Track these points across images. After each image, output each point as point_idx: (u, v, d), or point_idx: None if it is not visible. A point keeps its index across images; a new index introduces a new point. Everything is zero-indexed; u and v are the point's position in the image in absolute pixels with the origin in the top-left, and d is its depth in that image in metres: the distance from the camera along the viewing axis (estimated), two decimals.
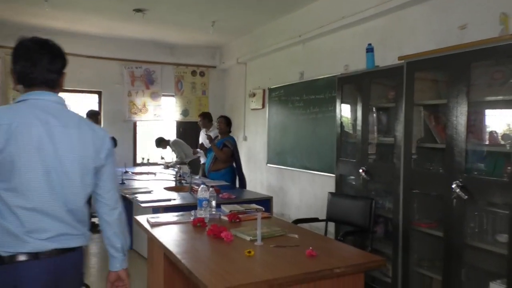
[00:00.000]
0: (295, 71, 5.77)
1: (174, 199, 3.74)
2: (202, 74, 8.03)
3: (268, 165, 6.47)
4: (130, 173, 5.84)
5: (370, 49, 3.68)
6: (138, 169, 6.33)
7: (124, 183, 4.82)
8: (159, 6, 5.36)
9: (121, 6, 5.33)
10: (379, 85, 3.66)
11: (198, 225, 2.68)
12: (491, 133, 2.73)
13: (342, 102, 4.03)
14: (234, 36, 7.11)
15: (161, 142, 6.67)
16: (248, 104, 7.16)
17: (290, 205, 5.86)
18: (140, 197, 3.78)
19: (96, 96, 7.30)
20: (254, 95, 6.89)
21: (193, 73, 7.95)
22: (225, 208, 3.17)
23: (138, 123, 7.65)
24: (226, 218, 2.91)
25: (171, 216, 2.90)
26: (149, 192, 4.11)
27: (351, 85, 3.94)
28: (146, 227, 2.67)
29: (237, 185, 5.01)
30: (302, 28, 5.38)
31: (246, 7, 5.44)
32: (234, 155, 4.96)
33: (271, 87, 6.40)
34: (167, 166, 6.67)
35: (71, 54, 6.24)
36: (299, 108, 5.63)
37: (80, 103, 7.14)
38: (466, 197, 2.56)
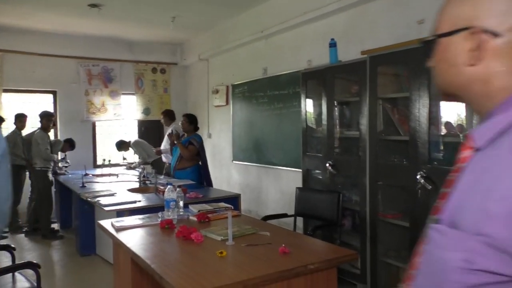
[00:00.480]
0: (259, 67, 5.74)
1: (139, 201, 3.62)
2: (163, 71, 7.84)
3: (234, 162, 6.43)
4: (90, 175, 5.62)
5: (333, 44, 3.71)
6: (99, 171, 6.10)
7: (85, 186, 4.61)
8: (115, 1, 5.16)
9: (75, 1, 5.08)
10: (343, 80, 3.71)
11: (166, 227, 2.60)
12: (447, 124, 2.84)
13: (306, 97, 4.05)
14: (196, 32, 6.99)
15: (122, 145, 6.46)
16: (211, 101, 7.07)
17: (258, 202, 5.85)
18: (103, 200, 3.62)
19: (51, 96, 6.95)
20: (217, 91, 6.81)
21: (154, 70, 7.76)
22: (193, 208, 3.10)
23: (97, 123, 7.36)
24: (195, 219, 2.84)
25: (137, 219, 2.80)
26: (112, 194, 3.96)
27: (315, 80, 3.97)
28: (111, 232, 2.56)
29: (204, 184, 4.93)
30: (264, 24, 5.36)
31: (208, 2, 5.35)
32: (200, 153, 4.88)
33: (235, 83, 6.35)
34: (129, 167, 6.47)
35: (23, 52, 5.92)
36: (264, 104, 5.62)
37: (35, 104, 6.78)
38: (430, 187, 2.63)
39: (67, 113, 6.94)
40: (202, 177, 4.92)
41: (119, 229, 2.58)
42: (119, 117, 7.42)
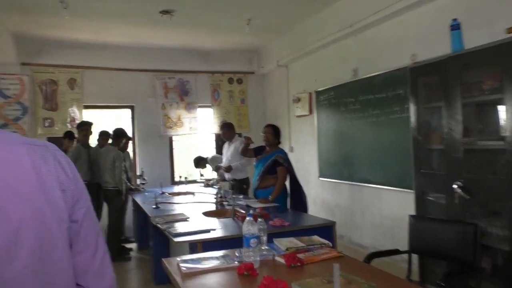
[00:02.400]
0: (347, 69, 4.96)
1: (215, 229, 3.03)
2: (239, 81, 7.38)
3: (321, 179, 5.66)
4: (166, 194, 5.24)
5: (455, 26, 2.85)
6: (176, 188, 5.74)
7: (159, 207, 4.18)
8: (187, 6, 4.77)
9: (147, 8, 4.77)
10: (470, 72, 2.81)
11: (245, 273, 1.95)
12: None
13: (417, 99, 3.19)
14: (273, 36, 6.41)
15: (199, 162, 6.03)
16: (292, 111, 6.41)
17: (351, 226, 5.00)
18: (174, 228, 3.10)
19: (129, 111, 6.81)
20: (298, 100, 6.13)
21: (230, 80, 7.32)
22: (279, 244, 2.42)
23: (174, 138, 7.09)
24: (282, 261, 2.16)
25: (210, 259, 2.19)
26: (186, 219, 3.43)
27: (430, 77, 3.10)
28: (176, 279, 1.97)
29: (288, 205, 4.24)
30: (353, 17, 4.58)
31: (285, 0, 4.74)
32: (289, 171, 4.22)
33: (318, 89, 5.62)
34: (207, 184, 6.02)
35: (101, 68, 5.74)
36: (355, 111, 4.81)
37: (113, 119, 6.70)
38: None
39: (144, 128, 6.74)
40: (287, 197, 4.25)
41: (187, 275, 1.98)
42: (195, 131, 7.07)
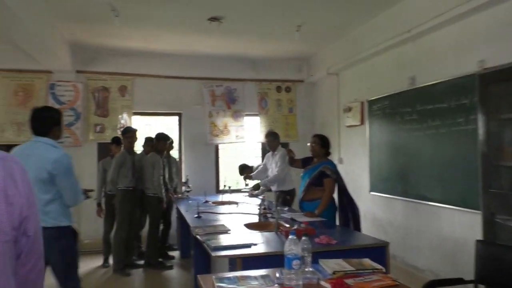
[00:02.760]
0: (404, 77, 4.62)
1: (256, 244, 2.84)
2: (288, 89, 7.20)
3: (372, 193, 5.31)
4: (210, 202, 5.14)
5: None
6: (220, 197, 5.62)
7: (200, 216, 4.06)
8: (236, 13, 4.68)
9: (195, 15, 4.74)
10: None
11: None
12: None
13: (486, 109, 2.83)
14: (323, 43, 6.18)
15: (244, 169, 5.90)
16: (342, 121, 6.11)
17: (405, 246, 4.62)
18: (214, 240, 2.94)
19: (176, 118, 6.84)
20: (349, 109, 5.83)
21: (278, 89, 7.16)
22: (325, 266, 2.17)
23: (220, 146, 7.02)
24: (327, 286, 1.92)
25: (248, 278, 2.00)
26: (226, 231, 3.27)
27: (501, 85, 2.74)
28: None
29: (336, 221, 3.97)
30: (412, 21, 4.26)
31: (337, 6, 4.52)
32: (338, 184, 3.96)
33: (371, 98, 5.30)
34: (252, 194, 5.86)
35: (150, 75, 5.79)
36: (412, 122, 4.45)
37: (160, 126, 6.75)
38: None
39: (191, 136, 6.73)
40: (335, 212, 3.98)
41: None
42: (241, 140, 6.96)
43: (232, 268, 2.64)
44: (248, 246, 2.78)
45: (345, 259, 2.31)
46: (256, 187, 5.18)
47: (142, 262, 5.23)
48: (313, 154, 4.07)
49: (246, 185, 6.21)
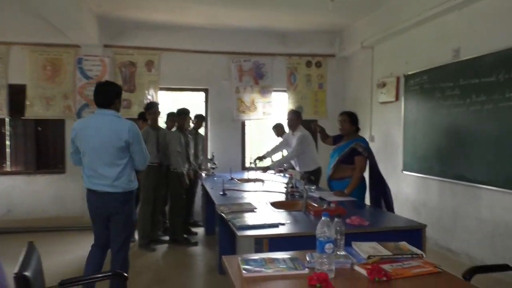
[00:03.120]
0: (447, 49, 4.29)
1: (283, 224, 2.70)
2: (318, 64, 6.91)
3: (405, 172, 5.05)
4: (235, 180, 5.03)
5: None
6: (246, 175, 5.50)
7: (226, 194, 3.95)
8: None
9: None
10: None
11: (318, 286, 1.59)
12: None
13: None
14: (358, 15, 5.83)
15: (278, 128, 5.59)
16: (375, 97, 5.81)
17: (440, 228, 4.38)
18: (240, 219, 2.82)
19: (203, 94, 6.71)
20: (383, 85, 5.52)
21: (308, 64, 6.88)
22: (359, 249, 2.01)
23: (246, 123, 6.87)
24: (363, 271, 1.76)
25: (276, 261, 1.86)
26: (252, 210, 3.14)
27: None
28: (235, 283, 1.68)
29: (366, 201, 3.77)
30: None
31: None
32: (370, 161, 3.75)
33: (409, 73, 4.97)
34: (280, 170, 5.71)
35: (178, 49, 5.61)
36: (453, 98, 4.13)
37: (187, 101, 6.64)
38: None
39: (217, 112, 6.60)
40: (365, 191, 3.78)
41: (247, 281, 1.68)
42: (269, 116, 6.78)
43: (258, 249, 2.51)
44: (275, 226, 2.64)
45: (380, 242, 2.13)
46: (265, 169, 5.01)
47: (167, 237, 5.22)
48: (343, 132, 3.85)
49: (272, 162, 6.05)
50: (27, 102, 5.91)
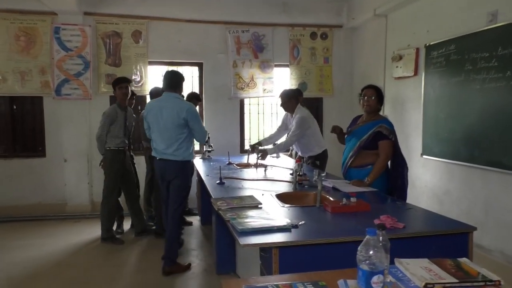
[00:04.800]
0: (479, 13, 3.67)
1: (296, 226, 2.14)
2: (324, 36, 6.26)
3: (424, 156, 4.50)
4: (234, 165, 4.47)
5: None
6: (245, 159, 4.92)
7: (223, 182, 3.39)
8: None
9: None
10: None
11: None
12: None
13: None
14: None
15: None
16: (389, 72, 5.20)
17: (465, 220, 3.84)
18: (241, 220, 2.25)
19: (196, 68, 6.07)
20: (400, 58, 4.91)
21: (313, 35, 6.23)
22: (407, 271, 1.46)
23: (245, 101, 6.26)
24: None
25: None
26: (257, 206, 2.58)
27: None
28: None
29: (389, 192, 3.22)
30: None
31: None
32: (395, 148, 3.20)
33: (431, 43, 4.35)
34: (291, 154, 5.18)
35: (168, 18, 4.76)
36: (489, 71, 3.53)
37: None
38: None
39: (213, 89, 5.98)
40: (388, 181, 3.23)
41: None
42: (269, 94, 6.17)
43: (265, 258, 1.98)
44: (286, 229, 2.09)
45: (432, 259, 1.58)
46: (264, 154, 4.36)
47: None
48: (368, 110, 3.27)
49: (274, 145, 5.48)
50: None
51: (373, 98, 3.22)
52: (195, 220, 5.24)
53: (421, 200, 4.41)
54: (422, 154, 4.53)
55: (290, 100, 4.40)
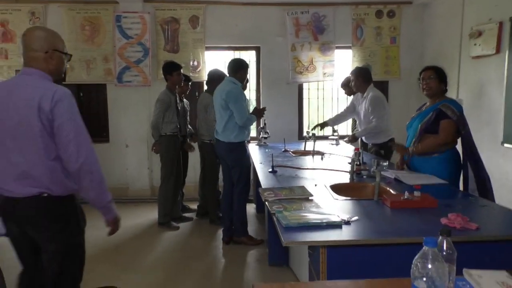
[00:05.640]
0: None
1: (348, 223, 1.92)
2: (391, 14, 5.77)
3: (506, 145, 3.97)
4: (289, 152, 4.28)
5: None
6: (302, 146, 4.70)
7: (276, 171, 3.22)
8: None
9: None
10: None
11: None
12: None
13: None
14: None
15: (350, 87, 4.45)
16: (466, 50, 4.65)
17: None
18: (288, 213, 2.06)
19: (253, 52, 5.91)
20: (479, 34, 4.35)
21: (379, 14, 5.76)
22: (474, 281, 1.19)
23: (304, 86, 6.00)
24: None
25: None
26: (307, 198, 2.37)
27: None
28: None
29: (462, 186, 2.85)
30: None
31: None
32: (460, 131, 2.82)
33: None
34: (349, 140, 4.87)
35: (222, 2, 4.63)
36: None
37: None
38: None
39: (270, 73, 5.79)
40: (459, 171, 2.86)
41: None
42: (330, 78, 5.85)
43: (314, 259, 1.79)
44: (337, 225, 1.87)
45: (510, 270, 1.29)
46: (353, 139, 4.19)
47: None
48: (428, 92, 2.94)
49: (335, 131, 5.19)
50: (67, 66, 5.50)
51: (432, 78, 2.86)
52: (250, 207, 5.14)
53: (501, 195, 3.90)
54: (503, 143, 4.00)
55: (364, 78, 4.10)
